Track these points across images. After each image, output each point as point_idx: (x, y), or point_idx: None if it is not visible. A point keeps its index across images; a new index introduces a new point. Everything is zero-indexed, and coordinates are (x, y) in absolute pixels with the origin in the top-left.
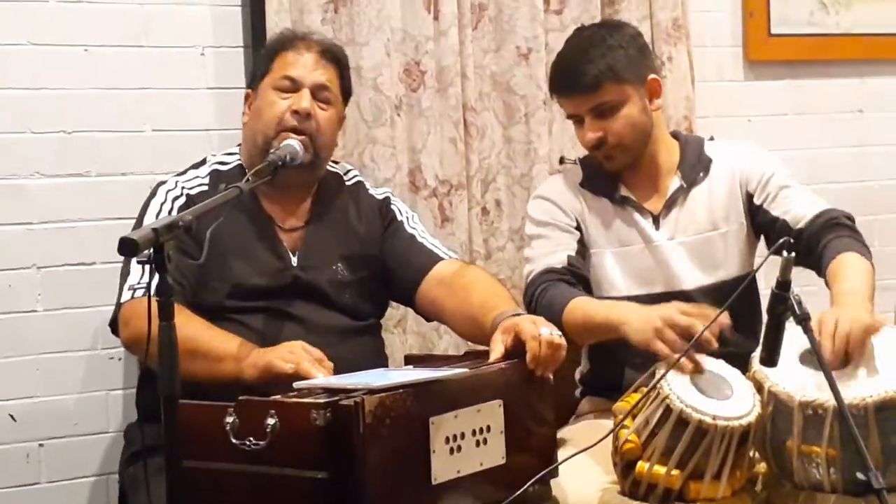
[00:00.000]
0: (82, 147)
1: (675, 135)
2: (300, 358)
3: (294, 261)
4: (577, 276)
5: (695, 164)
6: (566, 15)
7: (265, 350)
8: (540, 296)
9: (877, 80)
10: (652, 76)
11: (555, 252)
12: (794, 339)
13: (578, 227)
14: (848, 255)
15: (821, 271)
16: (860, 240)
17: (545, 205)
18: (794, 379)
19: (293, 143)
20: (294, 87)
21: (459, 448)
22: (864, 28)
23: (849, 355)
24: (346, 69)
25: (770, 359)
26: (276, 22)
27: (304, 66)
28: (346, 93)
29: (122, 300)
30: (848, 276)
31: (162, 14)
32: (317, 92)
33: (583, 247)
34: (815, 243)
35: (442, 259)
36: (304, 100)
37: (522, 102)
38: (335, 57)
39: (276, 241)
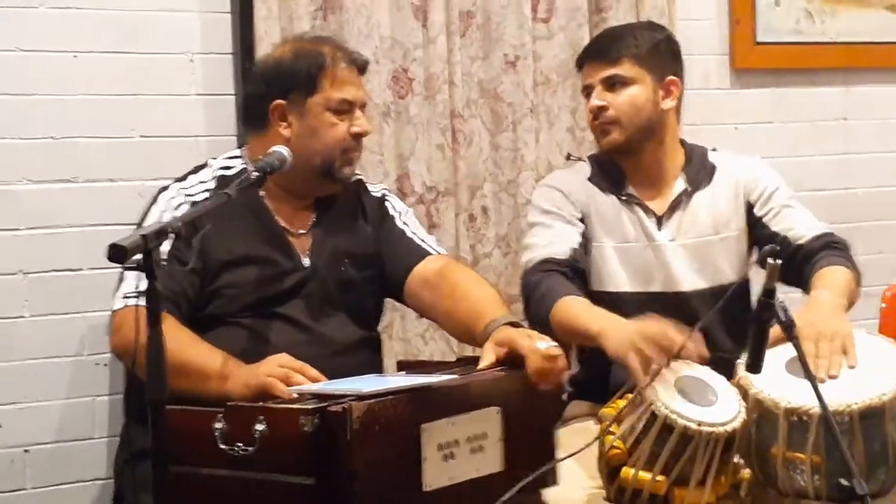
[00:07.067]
0: (70, 153)
1: (680, 142)
2: (291, 375)
3: (305, 263)
4: (577, 270)
5: (699, 170)
6: (553, 23)
7: (253, 366)
8: (535, 287)
9: (861, 88)
10: (672, 77)
11: (557, 243)
12: (780, 346)
13: (583, 220)
14: (832, 267)
15: (806, 286)
16: (852, 262)
17: (553, 194)
18: (780, 386)
19: (282, 149)
20: (349, 108)
21: (453, 455)
22: (848, 36)
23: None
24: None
25: (755, 365)
26: (265, 29)
27: (354, 84)
28: None
29: (115, 308)
30: (826, 284)
31: (151, 20)
32: (363, 109)
33: (585, 240)
34: (808, 261)
35: (428, 254)
36: (363, 121)
37: (510, 110)
38: (366, 67)
39: (288, 246)
